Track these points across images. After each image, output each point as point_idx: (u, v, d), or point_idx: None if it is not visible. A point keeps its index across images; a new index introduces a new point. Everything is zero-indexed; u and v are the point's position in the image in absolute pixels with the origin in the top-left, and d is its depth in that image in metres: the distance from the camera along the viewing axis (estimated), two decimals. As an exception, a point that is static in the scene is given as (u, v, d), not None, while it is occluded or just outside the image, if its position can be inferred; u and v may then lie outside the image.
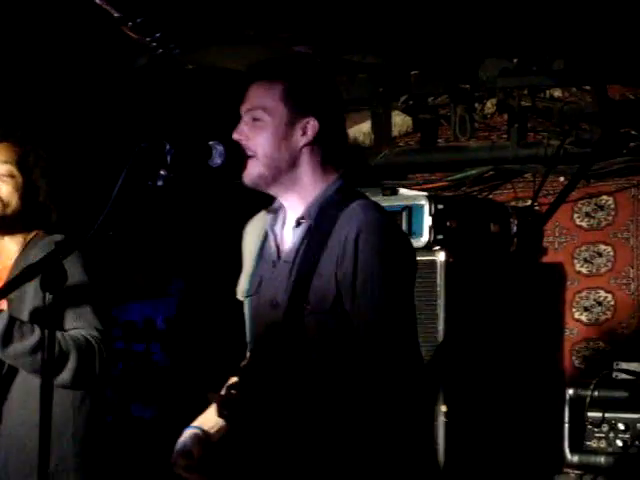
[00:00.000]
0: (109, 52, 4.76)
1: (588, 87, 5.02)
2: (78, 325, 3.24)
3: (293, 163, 2.63)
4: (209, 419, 2.72)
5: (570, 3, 4.30)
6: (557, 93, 5.22)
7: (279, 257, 2.65)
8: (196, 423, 2.74)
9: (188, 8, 4.45)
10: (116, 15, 4.29)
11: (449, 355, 4.55)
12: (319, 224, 2.60)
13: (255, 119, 2.63)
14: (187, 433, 2.71)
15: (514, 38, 4.67)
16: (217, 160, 2.63)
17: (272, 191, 2.68)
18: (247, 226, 2.85)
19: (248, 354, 2.79)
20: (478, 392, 4.61)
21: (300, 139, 2.63)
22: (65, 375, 3.19)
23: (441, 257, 4.62)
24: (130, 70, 4.87)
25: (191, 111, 4.94)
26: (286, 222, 2.70)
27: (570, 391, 4.41)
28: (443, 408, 4.49)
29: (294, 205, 2.67)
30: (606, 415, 4.32)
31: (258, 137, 2.62)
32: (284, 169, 2.63)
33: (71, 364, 3.18)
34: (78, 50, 4.68)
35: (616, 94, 5.06)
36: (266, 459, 2.55)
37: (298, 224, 2.64)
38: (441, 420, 4.50)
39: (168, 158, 2.55)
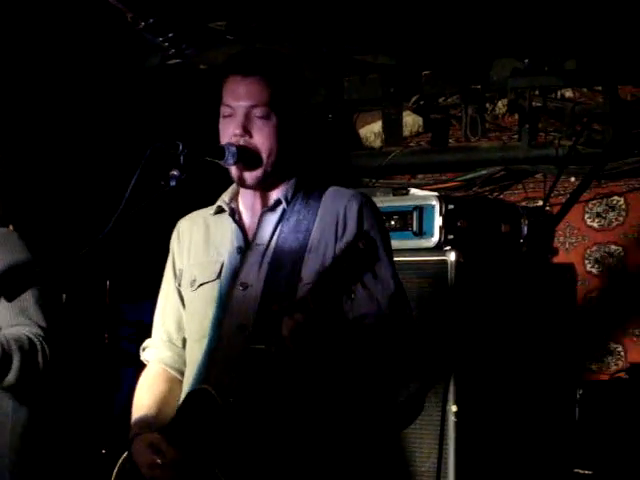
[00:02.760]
0: (122, 52, 4.77)
1: (599, 87, 5.02)
2: (20, 322, 3.17)
3: (289, 158, 2.67)
4: (146, 422, 2.67)
5: (581, 4, 4.31)
6: (568, 93, 5.22)
7: (247, 242, 2.65)
8: (136, 430, 2.68)
9: (200, 8, 4.46)
10: (129, 15, 4.31)
11: (460, 355, 4.55)
12: (297, 206, 2.64)
13: (258, 116, 2.63)
14: (141, 441, 2.62)
15: (525, 38, 4.68)
16: (230, 161, 2.63)
17: (262, 188, 2.69)
18: (181, 224, 2.84)
19: (162, 356, 2.80)
20: (489, 392, 4.61)
21: (296, 136, 2.67)
22: (10, 377, 3.14)
23: (452, 257, 4.61)
24: (142, 70, 4.88)
25: (203, 111, 4.95)
26: (242, 210, 2.70)
27: (581, 391, 4.41)
28: (454, 408, 4.49)
29: (263, 192, 2.67)
30: (618, 415, 4.32)
31: (263, 135, 2.63)
32: (283, 165, 2.65)
33: (15, 365, 3.13)
34: (91, 50, 4.70)
35: (627, 94, 5.06)
36: (252, 448, 2.52)
37: (271, 209, 2.65)
38: (452, 420, 4.50)
39: (181, 159, 2.55)
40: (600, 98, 5.00)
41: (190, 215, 2.83)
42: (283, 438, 2.51)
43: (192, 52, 4.74)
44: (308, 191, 2.67)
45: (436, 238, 4.66)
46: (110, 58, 4.78)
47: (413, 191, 4.91)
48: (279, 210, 2.65)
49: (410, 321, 2.62)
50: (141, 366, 2.85)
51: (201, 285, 2.70)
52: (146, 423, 2.68)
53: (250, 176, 2.64)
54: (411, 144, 5.57)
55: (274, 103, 2.62)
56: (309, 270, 2.55)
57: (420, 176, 5.59)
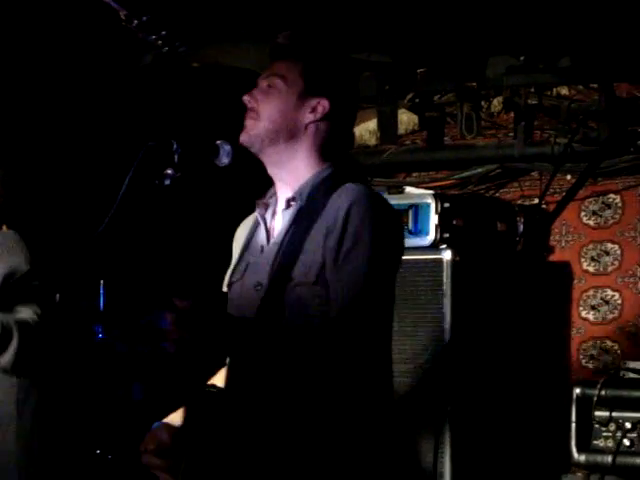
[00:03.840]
0: (115, 50, 4.75)
1: (595, 85, 5.01)
2: (18, 308, 3.21)
3: (293, 136, 2.63)
4: (180, 416, 2.70)
5: (577, 1, 4.30)
6: (564, 91, 5.21)
7: (268, 241, 2.65)
8: (167, 419, 2.70)
9: (194, 6, 4.44)
10: (122, 13, 4.29)
11: (455, 354, 4.54)
12: (309, 206, 2.60)
13: (271, 85, 2.64)
14: (158, 426, 2.67)
15: (521, 36, 4.66)
16: (224, 159, 2.63)
17: (264, 158, 2.66)
18: (239, 228, 2.84)
19: None
20: (484, 391, 4.60)
21: (308, 116, 2.63)
22: (7, 357, 3.14)
23: (447, 256, 4.61)
24: (136, 68, 4.87)
25: (197, 110, 4.94)
26: (277, 208, 2.69)
27: (577, 390, 4.40)
28: (449, 407, 4.48)
29: (285, 184, 2.65)
30: (613, 414, 4.31)
31: (268, 101, 2.63)
32: (283, 138, 2.62)
33: (13, 345, 3.14)
34: (84, 48, 4.68)
35: (623, 92, 5.05)
36: (242, 446, 2.53)
37: (288, 205, 2.63)
38: (447, 419, 4.49)
39: (175, 157, 2.54)
40: (596, 96, 4.99)
41: (247, 219, 2.81)
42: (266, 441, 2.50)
43: (185, 50, 4.72)
44: (325, 189, 2.61)
45: (432, 236, 4.66)
46: (103, 56, 4.76)
47: (408, 189, 4.91)
48: (295, 208, 2.62)
49: (348, 337, 2.47)
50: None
51: (230, 285, 2.71)
52: (178, 414, 2.69)
53: (243, 133, 2.63)
54: (406, 142, 5.56)
55: (288, 76, 2.63)
56: (299, 269, 2.53)
57: (415, 174, 5.58)
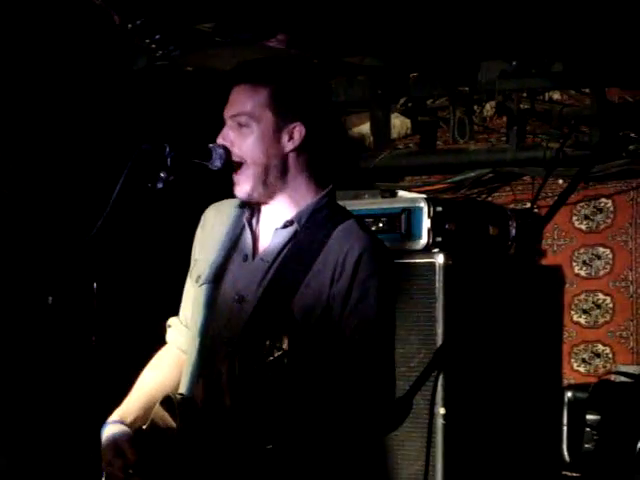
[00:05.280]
0: (109, 54, 4.76)
1: (587, 90, 5.02)
2: None
3: (281, 169, 2.63)
4: (129, 412, 2.70)
5: (569, 6, 4.31)
6: (556, 96, 5.22)
7: (254, 253, 2.63)
8: (116, 417, 2.70)
9: (187, 10, 4.45)
10: (116, 17, 4.29)
11: (448, 358, 4.54)
12: (308, 232, 2.59)
13: (241, 124, 2.62)
14: (112, 431, 2.66)
15: (513, 41, 4.67)
16: (217, 163, 2.63)
17: (263, 200, 2.66)
18: (209, 210, 2.81)
19: (175, 339, 2.77)
20: (477, 395, 4.61)
21: (287, 144, 2.62)
22: None
23: (440, 259, 4.61)
24: (129, 72, 4.87)
25: (191, 113, 4.94)
26: (261, 220, 2.68)
27: (569, 394, 4.41)
28: (442, 410, 4.48)
29: (280, 208, 2.65)
30: (604, 418, 4.32)
31: (245, 144, 2.61)
32: (274, 175, 2.62)
33: None
34: (77, 52, 4.68)
35: (615, 97, 5.06)
36: (218, 460, 2.51)
37: (284, 226, 2.62)
38: (440, 423, 4.49)
39: (168, 161, 2.55)
40: (588, 100, 5.00)
41: (220, 203, 2.79)
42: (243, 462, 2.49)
43: (179, 54, 4.73)
44: (323, 220, 2.62)
45: (424, 240, 4.67)
46: (97, 60, 4.76)
47: (401, 193, 4.91)
48: (290, 231, 2.61)
49: (362, 396, 2.50)
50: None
51: (203, 284, 2.69)
52: (130, 411, 2.67)
53: (239, 189, 2.63)
54: (399, 146, 5.56)
55: (255, 112, 2.59)
56: (300, 304, 2.53)
57: (408, 178, 5.59)
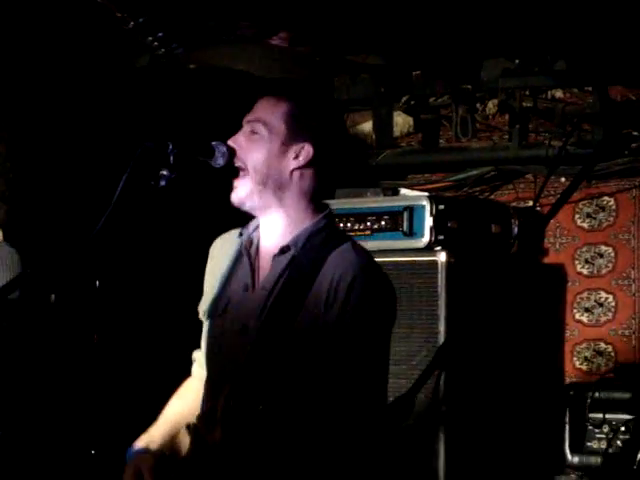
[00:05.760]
0: (111, 52, 4.76)
1: (590, 88, 5.02)
2: None
3: (281, 184, 2.62)
4: (154, 439, 2.69)
5: (572, 4, 4.31)
6: (559, 94, 5.22)
7: (254, 282, 2.63)
8: (142, 444, 2.70)
9: (190, 8, 4.45)
10: (118, 15, 4.30)
11: (450, 356, 4.54)
12: (305, 257, 2.58)
13: (253, 132, 2.62)
14: (135, 456, 2.66)
15: (516, 39, 4.68)
16: (219, 161, 2.63)
17: (256, 212, 2.66)
18: (216, 242, 2.82)
19: (198, 372, 2.79)
20: (479, 392, 4.61)
21: (292, 162, 2.62)
22: None
23: (442, 258, 4.61)
24: (132, 70, 4.87)
25: (193, 111, 4.94)
26: (261, 247, 2.67)
27: (571, 392, 4.41)
28: (444, 408, 4.49)
29: (276, 231, 2.64)
30: (607, 416, 4.32)
31: (252, 150, 2.62)
32: (271, 188, 2.61)
33: None
34: (80, 50, 4.68)
35: (618, 95, 5.06)
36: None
37: (282, 252, 2.61)
38: (441, 420, 4.49)
39: (171, 158, 2.55)
40: (590, 98, 5.00)
41: (227, 234, 2.79)
42: None
43: (182, 52, 4.73)
44: (320, 244, 2.60)
45: (426, 238, 4.67)
46: (99, 58, 4.77)
47: (403, 191, 4.91)
48: (288, 257, 2.60)
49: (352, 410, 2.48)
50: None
51: (209, 317, 2.69)
52: (156, 438, 2.69)
53: (234, 194, 2.63)
54: (402, 144, 5.56)
55: (270, 122, 2.61)
56: (299, 329, 2.52)
57: (410, 176, 5.58)
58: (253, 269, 2.64)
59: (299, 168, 2.62)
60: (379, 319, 2.57)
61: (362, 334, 2.52)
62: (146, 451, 2.66)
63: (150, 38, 4.51)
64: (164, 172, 2.54)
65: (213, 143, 2.64)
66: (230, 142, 2.64)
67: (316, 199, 2.67)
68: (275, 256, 2.61)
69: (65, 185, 4.85)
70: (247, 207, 2.64)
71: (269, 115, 2.62)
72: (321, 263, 2.56)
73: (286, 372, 2.51)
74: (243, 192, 2.62)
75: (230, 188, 2.68)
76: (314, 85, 2.80)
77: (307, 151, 2.61)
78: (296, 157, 2.62)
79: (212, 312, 2.68)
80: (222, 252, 2.75)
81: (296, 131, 2.62)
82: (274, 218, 2.64)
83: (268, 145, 2.61)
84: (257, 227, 2.69)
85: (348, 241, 2.63)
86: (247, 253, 2.66)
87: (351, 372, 2.50)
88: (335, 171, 2.74)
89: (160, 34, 4.53)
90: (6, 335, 3.32)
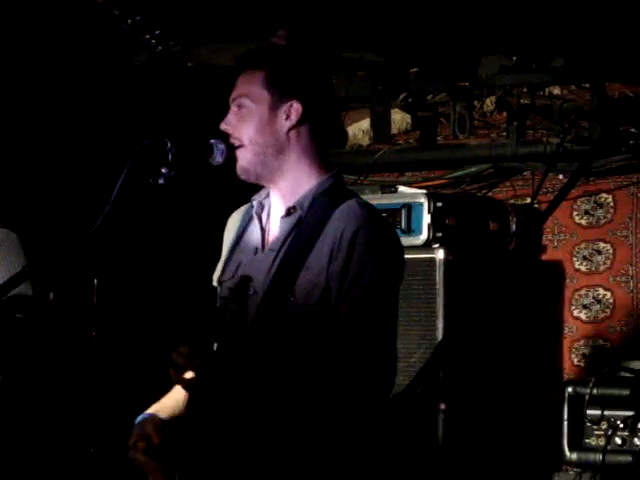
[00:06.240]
0: (109, 49, 4.76)
1: (587, 85, 5.02)
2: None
3: (280, 148, 2.63)
4: (165, 407, 2.69)
5: (569, 1, 4.31)
6: (556, 91, 5.22)
7: (263, 245, 2.65)
8: (151, 410, 2.69)
9: (187, 5, 4.45)
10: (116, 12, 4.30)
11: (448, 353, 4.54)
12: (310, 216, 2.59)
13: (240, 106, 2.64)
14: (142, 419, 2.66)
15: (513, 36, 4.68)
16: (218, 158, 2.63)
17: (262, 181, 2.68)
18: (232, 215, 2.84)
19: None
20: (477, 390, 4.61)
21: (285, 123, 2.63)
22: None
23: (440, 255, 4.62)
24: (130, 67, 4.87)
25: (191, 109, 4.94)
26: (271, 211, 2.69)
27: (569, 389, 4.41)
28: (442, 406, 4.49)
29: (284, 194, 2.65)
30: (605, 413, 4.32)
31: (243, 124, 2.63)
32: (271, 154, 2.63)
33: None
34: (78, 47, 4.68)
35: (615, 92, 5.06)
36: (229, 449, 2.52)
37: (288, 213, 2.63)
38: (440, 418, 4.50)
39: (169, 156, 2.55)
40: (588, 95, 5.00)
41: (243, 206, 2.80)
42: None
43: (179, 49, 4.73)
44: (326, 202, 2.61)
45: (424, 236, 4.67)
46: (97, 55, 4.76)
47: (401, 189, 4.91)
48: (294, 217, 2.61)
49: (362, 364, 2.49)
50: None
51: (221, 283, 2.70)
52: (166, 405, 2.69)
53: (238, 168, 2.65)
54: (399, 142, 5.56)
55: (252, 92, 2.62)
56: (300, 288, 2.53)
57: (408, 174, 5.58)
58: (263, 232, 2.66)
59: (294, 127, 2.63)
60: (384, 270, 2.56)
61: (367, 285, 2.51)
62: (154, 416, 2.65)
63: (148, 36, 4.51)
64: (163, 170, 2.55)
65: (211, 141, 2.64)
66: (222, 125, 2.65)
67: (320, 157, 2.67)
68: (282, 217, 2.63)
69: (63, 183, 4.85)
70: (253, 178, 2.66)
71: (250, 87, 2.64)
72: (326, 221, 2.57)
73: (291, 330, 2.51)
74: (245, 163, 2.63)
75: (232, 182, 2.68)
76: (289, 48, 2.81)
77: (296, 108, 2.63)
78: (287, 117, 2.63)
79: (223, 277, 2.69)
80: (236, 222, 2.78)
81: (280, 94, 2.63)
82: (280, 182, 2.65)
83: (257, 115, 2.62)
84: (269, 194, 2.71)
85: (353, 197, 2.63)
86: (258, 217, 2.68)
87: (358, 324, 2.50)
88: (332, 125, 2.75)
89: (158, 32, 4.52)
90: (23, 327, 3.33)
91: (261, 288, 2.57)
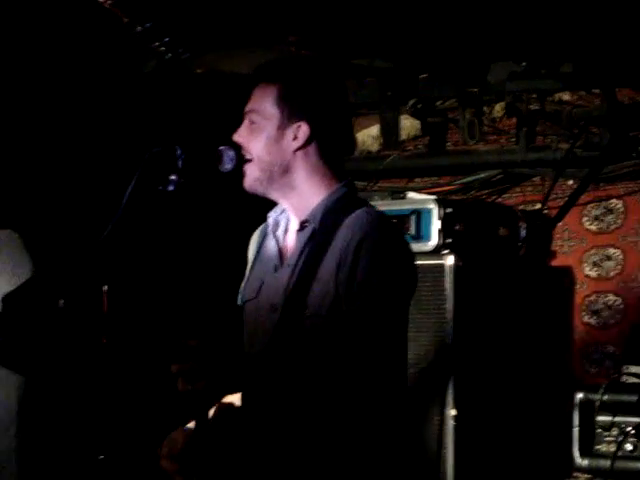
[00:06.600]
0: (118, 57, 4.77)
1: (597, 90, 5.02)
2: None
3: (286, 168, 2.62)
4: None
5: (579, 7, 4.31)
6: (566, 96, 5.22)
7: (282, 261, 2.64)
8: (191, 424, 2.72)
9: (197, 13, 4.46)
10: (125, 20, 4.31)
11: (458, 359, 4.54)
12: (323, 228, 2.58)
13: (251, 122, 2.64)
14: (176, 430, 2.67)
15: (523, 41, 4.68)
16: (227, 165, 2.63)
17: (271, 196, 2.68)
18: (253, 235, 2.84)
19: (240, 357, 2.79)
20: (487, 396, 4.61)
21: (292, 144, 2.61)
22: None
23: (450, 261, 4.61)
24: (139, 75, 4.88)
25: (201, 116, 4.95)
26: (289, 226, 2.69)
27: (579, 395, 4.40)
28: (453, 412, 4.49)
29: (296, 208, 2.65)
30: (615, 419, 4.31)
31: (253, 140, 2.62)
32: (277, 173, 2.62)
33: None
34: (87, 55, 4.69)
35: (625, 97, 5.06)
36: (256, 458, 2.53)
37: (302, 227, 2.62)
38: (450, 424, 4.49)
39: (179, 163, 2.55)
40: (598, 101, 5.00)
41: (263, 225, 2.80)
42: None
43: (188, 56, 4.74)
44: (337, 212, 2.60)
45: (434, 242, 4.67)
46: (106, 63, 4.77)
47: (411, 195, 4.91)
48: (308, 231, 2.60)
49: (367, 374, 2.48)
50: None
51: (246, 302, 2.71)
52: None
53: (244, 181, 2.65)
54: (409, 148, 5.57)
55: (263, 109, 2.62)
56: (312, 299, 2.52)
57: (418, 180, 5.59)
58: (280, 249, 2.66)
59: (301, 147, 2.62)
60: (391, 277, 2.54)
61: (373, 293, 2.50)
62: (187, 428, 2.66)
63: (157, 43, 4.52)
64: (172, 177, 2.55)
65: (221, 148, 2.64)
66: (234, 136, 2.65)
67: (331, 169, 2.66)
68: (297, 232, 2.63)
69: (73, 190, 4.86)
70: (260, 192, 2.66)
71: (261, 103, 2.63)
72: (336, 231, 2.56)
73: (306, 344, 2.50)
74: (251, 179, 2.64)
75: (241, 189, 2.69)
76: (305, 62, 2.79)
77: (304, 130, 2.61)
78: (295, 138, 2.61)
79: (246, 296, 2.70)
80: (255, 241, 2.78)
81: (290, 112, 2.61)
82: (292, 197, 2.65)
83: (265, 132, 2.61)
84: (283, 210, 2.71)
85: (363, 207, 2.62)
86: (274, 234, 2.68)
87: (362, 332, 2.48)
88: (343, 139, 2.72)
89: (167, 39, 4.53)
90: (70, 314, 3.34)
91: (280, 305, 2.57)
